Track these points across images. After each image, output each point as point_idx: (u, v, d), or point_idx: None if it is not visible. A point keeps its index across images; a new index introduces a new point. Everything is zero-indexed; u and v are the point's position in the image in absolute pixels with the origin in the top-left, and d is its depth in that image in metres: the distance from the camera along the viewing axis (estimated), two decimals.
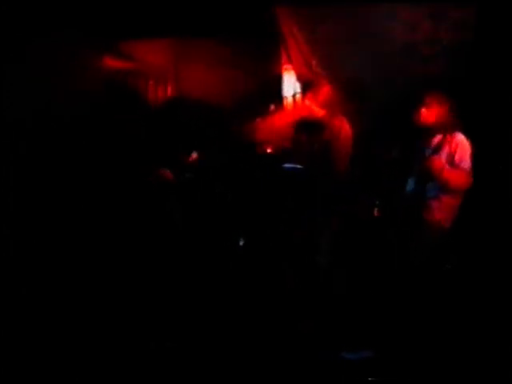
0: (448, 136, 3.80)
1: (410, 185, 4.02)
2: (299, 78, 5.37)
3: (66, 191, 4.41)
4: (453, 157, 3.77)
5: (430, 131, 3.84)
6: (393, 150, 4.49)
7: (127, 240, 4.25)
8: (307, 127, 4.51)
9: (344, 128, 4.44)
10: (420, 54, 5.13)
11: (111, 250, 4.22)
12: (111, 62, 5.69)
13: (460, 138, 3.80)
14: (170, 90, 5.98)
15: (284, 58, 5.52)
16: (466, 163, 3.76)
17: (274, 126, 5.20)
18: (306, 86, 4.58)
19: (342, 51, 5.16)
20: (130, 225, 4.25)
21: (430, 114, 3.86)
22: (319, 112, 4.44)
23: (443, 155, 3.79)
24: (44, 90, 4.49)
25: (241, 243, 4.83)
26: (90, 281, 4.10)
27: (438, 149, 3.81)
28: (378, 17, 5.12)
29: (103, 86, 5.06)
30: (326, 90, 4.39)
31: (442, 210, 3.86)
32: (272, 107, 5.49)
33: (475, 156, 3.84)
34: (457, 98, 3.98)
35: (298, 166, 4.43)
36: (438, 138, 3.85)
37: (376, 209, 4.38)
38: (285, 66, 5.58)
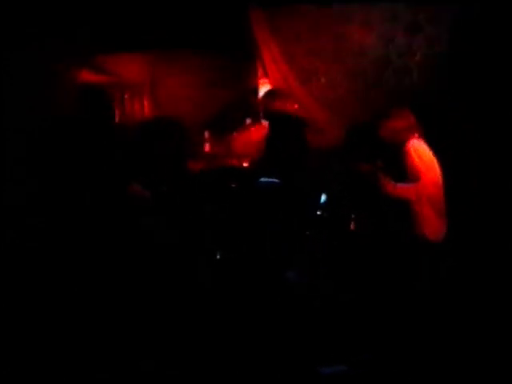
0: (403, 149, 3.86)
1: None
2: None
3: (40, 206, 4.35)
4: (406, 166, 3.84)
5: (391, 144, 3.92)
6: (368, 164, 4.52)
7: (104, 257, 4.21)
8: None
9: None
10: (394, 68, 5.22)
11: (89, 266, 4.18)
12: (87, 76, 5.66)
13: (410, 145, 3.83)
14: (146, 103, 5.98)
15: (260, 71, 5.54)
16: (414, 168, 3.78)
17: (251, 139, 5.22)
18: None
19: (318, 65, 5.22)
20: (105, 243, 4.20)
21: (387, 127, 3.93)
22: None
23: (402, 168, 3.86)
24: (19, 102, 4.45)
25: (218, 257, 4.82)
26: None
27: (387, 167, 3.90)
28: (354, 31, 5.19)
29: (77, 100, 5.03)
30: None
31: (425, 222, 3.88)
32: (248, 121, 5.51)
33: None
34: (430, 111, 4.04)
35: (275, 180, 4.43)
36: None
37: (352, 222, 4.40)
38: (261, 80, 5.60)
